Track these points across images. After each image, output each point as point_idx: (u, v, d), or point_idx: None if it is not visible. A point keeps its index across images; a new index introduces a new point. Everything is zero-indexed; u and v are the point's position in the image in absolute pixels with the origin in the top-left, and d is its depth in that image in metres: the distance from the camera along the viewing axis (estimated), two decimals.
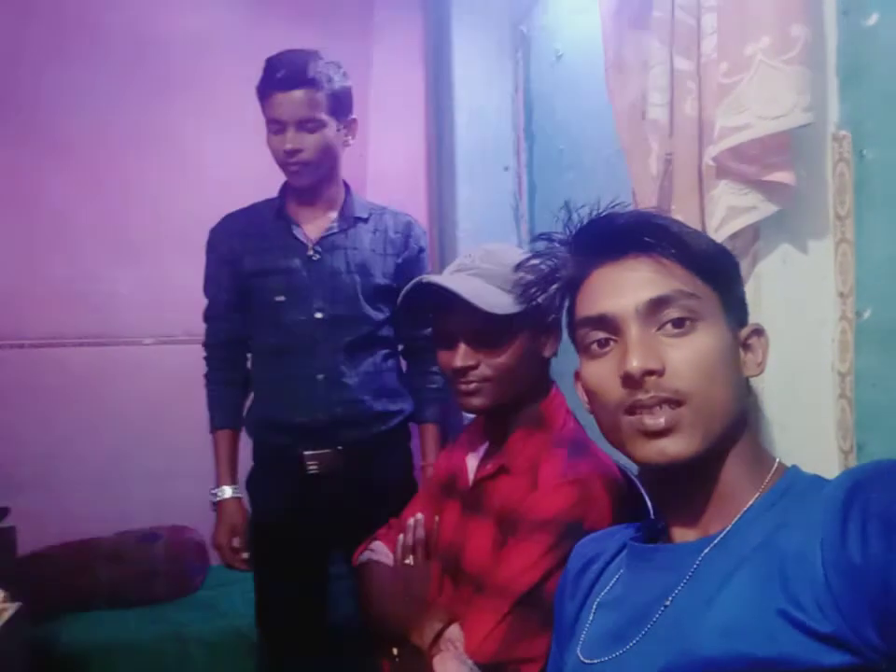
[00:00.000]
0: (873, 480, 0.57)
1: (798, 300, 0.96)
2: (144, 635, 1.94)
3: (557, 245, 0.77)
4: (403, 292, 1.03)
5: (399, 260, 1.56)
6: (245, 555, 1.52)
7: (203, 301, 1.62)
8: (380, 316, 1.53)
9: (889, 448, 0.89)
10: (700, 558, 0.66)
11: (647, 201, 0.98)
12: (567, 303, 0.78)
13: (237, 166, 2.19)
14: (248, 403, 1.60)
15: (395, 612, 1.07)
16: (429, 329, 1.60)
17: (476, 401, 1.02)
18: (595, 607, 0.76)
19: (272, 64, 1.41)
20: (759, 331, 0.73)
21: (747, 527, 0.65)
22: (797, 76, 0.79)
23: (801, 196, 0.92)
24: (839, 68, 0.90)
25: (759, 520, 0.64)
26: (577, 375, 0.78)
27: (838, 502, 0.57)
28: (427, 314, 1.08)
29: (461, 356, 1.00)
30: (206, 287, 1.59)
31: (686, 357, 0.65)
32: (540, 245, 0.80)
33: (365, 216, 1.56)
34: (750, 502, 0.66)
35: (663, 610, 0.66)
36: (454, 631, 0.93)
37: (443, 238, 2.30)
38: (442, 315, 1.03)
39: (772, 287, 0.95)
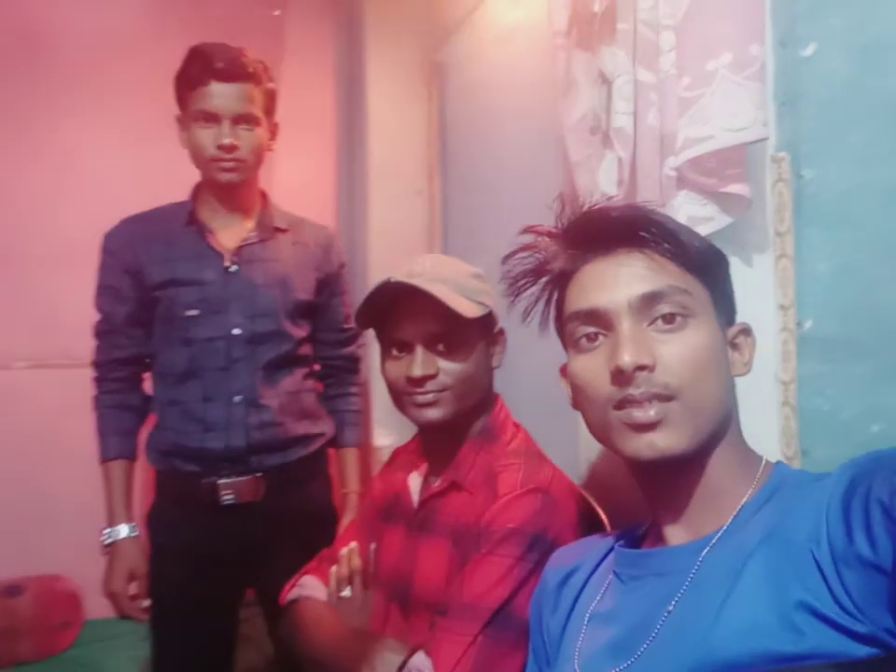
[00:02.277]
0: (871, 470, 0.57)
1: (743, 311, 0.99)
2: None
3: (545, 238, 0.75)
4: (368, 295, 0.96)
5: (321, 275, 1.48)
6: (146, 603, 1.33)
7: (88, 318, 1.43)
8: (301, 334, 1.44)
9: (832, 453, 0.93)
10: (700, 559, 0.64)
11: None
12: (555, 297, 0.76)
13: (121, 174, 2.05)
14: (150, 430, 1.43)
15: (336, 650, 0.98)
16: (348, 349, 1.54)
17: (433, 413, 0.97)
18: (586, 619, 0.72)
19: (205, 53, 1.32)
20: (746, 331, 0.73)
21: (745, 524, 0.64)
22: (757, 92, 0.83)
23: (744, 213, 0.96)
24: (777, 94, 0.95)
25: (756, 516, 0.64)
26: (562, 371, 0.76)
27: (839, 495, 0.57)
28: (374, 321, 1.02)
29: (420, 363, 0.95)
30: (100, 298, 1.41)
31: (677, 352, 0.65)
32: (527, 238, 0.77)
33: (284, 226, 1.47)
34: (745, 499, 0.66)
35: (666, 617, 0.63)
36: (419, 660, 0.85)
37: (355, 261, 2.24)
38: (396, 321, 0.98)
39: None
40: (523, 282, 0.77)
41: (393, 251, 2.11)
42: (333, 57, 2.31)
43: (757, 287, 0.98)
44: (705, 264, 0.70)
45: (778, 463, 0.70)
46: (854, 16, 0.90)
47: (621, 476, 1.19)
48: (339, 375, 1.53)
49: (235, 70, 1.31)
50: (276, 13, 2.17)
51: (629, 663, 0.64)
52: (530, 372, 1.34)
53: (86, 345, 1.45)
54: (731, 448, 0.68)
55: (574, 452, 1.32)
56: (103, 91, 2.12)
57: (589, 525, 0.97)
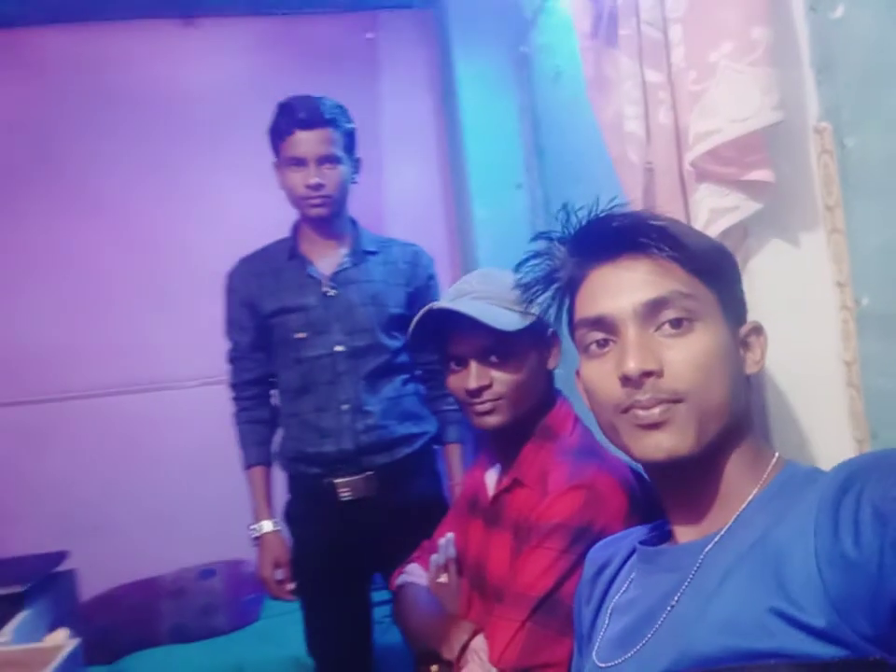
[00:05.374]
0: (866, 470, 0.57)
1: (795, 292, 0.96)
2: (207, 667, 2.01)
3: (556, 244, 0.77)
4: (414, 321, 1.07)
5: (411, 289, 1.61)
6: (291, 586, 1.56)
7: None
8: (396, 344, 1.58)
9: None
10: (701, 557, 0.66)
11: (638, 208, 1.00)
12: (566, 303, 0.78)
13: (257, 210, 2.29)
14: (280, 439, 1.65)
15: (427, 630, 1.10)
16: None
17: (492, 420, 1.05)
18: (610, 611, 0.76)
19: (290, 107, 1.50)
20: (758, 329, 0.73)
21: (745, 524, 0.65)
22: (762, 76, 0.80)
23: (789, 190, 0.93)
24: (813, 62, 0.91)
25: (757, 516, 0.64)
26: (578, 374, 0.78)
27: (831, 494, 0.57)
28: (435, 340, 1.12)
29: (474, 376, 1.03)
30: (228, 329, 1.65)
31: (684, 357, 0.66)
32: (540, 245, 0.79)
33: (374, 249, 1.62)
34: (749, 499, 0.67)
35: (668, 612, 0.66)
36: (478, 642, 0.95)
37: (466, 260, 2.33)
38: (451, 339, 1.07)
39: (766, 282, 0.95)
40: (534, 288, 0.78)
41: (500, 246, 2.15)
42: (426, 67, 2.40)
43: (809, 265, 0.94)
44: (710, 266, 0.70)
45: (790, 462, 0.69)
46: None
47: None
48: (437, 378, 1.64)
49: (315, 118, 1.48)
50: (369, 36, 2.30)
51: (631, 653, 0.67)
52: None
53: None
54: (742, 448, 0.69)
55: None
56: (239, 137, 2.37)
57: (649, 516, 1.00)
